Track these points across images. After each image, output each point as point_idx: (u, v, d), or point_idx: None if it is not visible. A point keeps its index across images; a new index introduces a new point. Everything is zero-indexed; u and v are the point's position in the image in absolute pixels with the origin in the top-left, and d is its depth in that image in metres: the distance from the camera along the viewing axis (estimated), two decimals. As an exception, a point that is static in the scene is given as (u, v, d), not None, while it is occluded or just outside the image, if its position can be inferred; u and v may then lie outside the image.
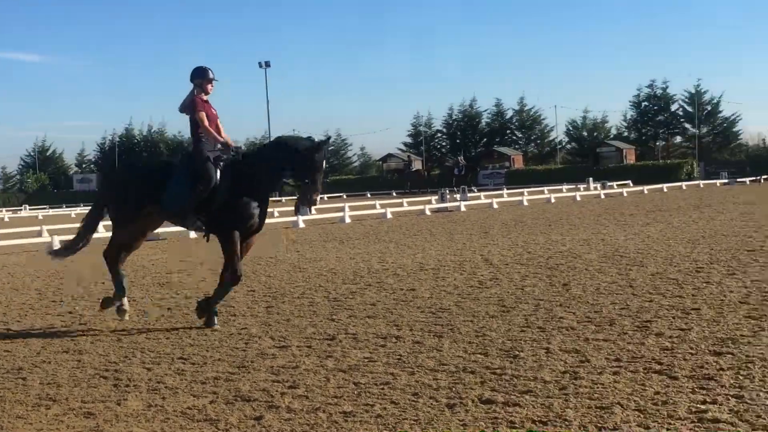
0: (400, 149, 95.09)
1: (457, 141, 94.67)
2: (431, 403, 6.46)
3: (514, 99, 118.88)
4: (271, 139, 11.76)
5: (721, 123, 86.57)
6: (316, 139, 10.46)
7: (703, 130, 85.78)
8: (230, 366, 8.09)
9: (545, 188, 54.11)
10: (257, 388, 7.18)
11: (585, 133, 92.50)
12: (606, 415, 5.95)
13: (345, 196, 69.62)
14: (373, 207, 38.57)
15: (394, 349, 8.47)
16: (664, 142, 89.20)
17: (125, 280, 11.06)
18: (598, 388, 6.67)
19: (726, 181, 58.28)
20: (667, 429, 5.59)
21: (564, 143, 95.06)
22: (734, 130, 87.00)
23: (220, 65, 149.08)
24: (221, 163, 10.43)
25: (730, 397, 6.22)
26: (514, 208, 36.84)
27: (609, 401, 6.27)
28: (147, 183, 10.60)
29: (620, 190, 49.15)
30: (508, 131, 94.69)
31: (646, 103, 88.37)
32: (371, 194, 70.16)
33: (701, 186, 54.33)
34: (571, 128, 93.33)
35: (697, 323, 9.01)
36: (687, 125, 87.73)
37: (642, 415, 5.90)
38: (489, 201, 39.59)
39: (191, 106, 10.67)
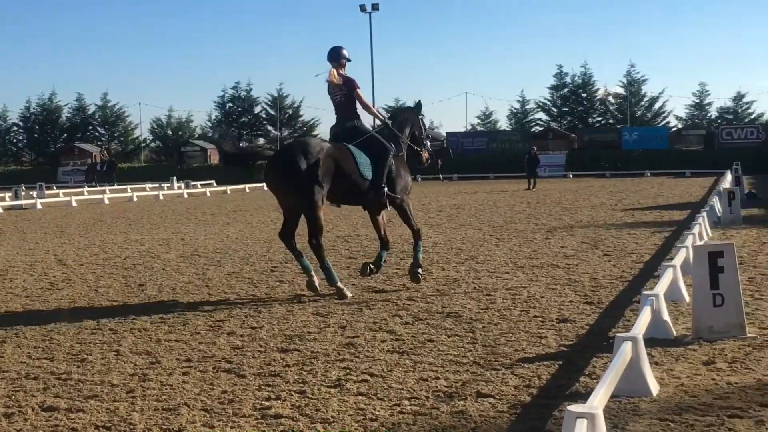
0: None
1: (36, 135, 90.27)
2: (-14, 414, 6.05)
3: (97, 95, 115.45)
4: (397, 110, 12.45)
5: (302, 126, 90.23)
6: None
7: (284, 132, 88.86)
8: None
9: (128, 186, 53.16)
10: None
11: (170, 132, 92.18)
12: (172, 416, 5.90)
13: None
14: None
15: (-51, 358, 7.85)
16: (247, 143, 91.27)
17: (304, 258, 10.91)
18: (166, 389, 6.61)
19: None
20: (231, 427, 5.66)
21: (149, 141, 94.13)
22: (314, 133, 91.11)
23: None
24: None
25: (293, 393, 6.43)
26: (94, 206, 35.84)
27: (176, 402, 6.23)
28: (327, 163, 10.53)
29: (204, 189, 49.53)
30: (90, 127, 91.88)
31: (230, 104, 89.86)
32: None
33: (281, 187, 56.11)
34: (155, 126, 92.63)
35: (268, 321, 9.26)
36: (270, 127, 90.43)
37: (208, 415, 5.93)
38: (68, 199, 38.19)
39: (351, 84, 11.19)
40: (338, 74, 11.26)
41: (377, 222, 11.73)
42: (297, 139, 11.54)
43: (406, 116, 12.12)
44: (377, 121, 12.10)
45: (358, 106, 11.46)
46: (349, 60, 11.49)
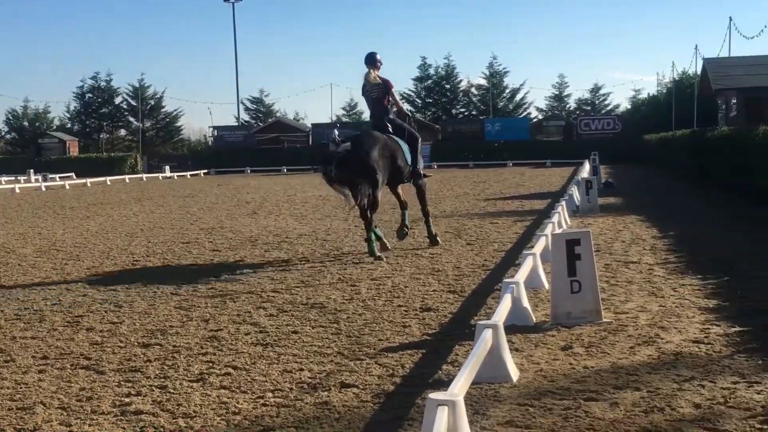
0: None
1: None
2: None
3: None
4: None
5: (164, 117, 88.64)
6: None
7: (146, 124, 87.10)
8: None
9: (-18, 179, 51.24)
10: None
11: (26, 124, 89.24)
12: (27, 415, 5.71)
13: None
14: None
15: None
16: (108, 135, 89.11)
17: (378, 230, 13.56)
18: (21, 388, 6.39)
19: (168, 174, 59.78)
20: (90, 425, 5.51)
21: (3, 133, 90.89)
22: (177, 125, 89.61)
23: None
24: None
25: (154, 388, 6.30)
26: (-55, 200, 34.37)
27: (32, 401, 6.03)
28: (386, 153, 13.05)
29: (63, 182, 48.12)
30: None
31: (90, 95, 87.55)
32: None
33: (144, 179, 55.15)
34: (11, 118, 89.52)
35: (129, 316, 9.06)
36: (131, 119, 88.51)
37: (65, 413, 5.76)
38: None
39: (387, 84, 13.67)
40: (375, 75, 13.62)
41: (397, 192, 14.20)
42: (367, 133, 13.59)
43: (407, 115, 14.80)
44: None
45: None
46: (381, 63, 13.79)
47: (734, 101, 44.25)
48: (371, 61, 13.68)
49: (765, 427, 5.08)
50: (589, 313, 8.08)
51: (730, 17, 39.86)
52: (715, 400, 5.61)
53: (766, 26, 49.87)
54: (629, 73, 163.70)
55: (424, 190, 14.28)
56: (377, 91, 13.60)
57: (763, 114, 35.67)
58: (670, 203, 22.11)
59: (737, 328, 7.64)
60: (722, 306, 8.66)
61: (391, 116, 13.74)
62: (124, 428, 5.46)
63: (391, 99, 13.77)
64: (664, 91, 67.77)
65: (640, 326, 7.89)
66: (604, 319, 8.10)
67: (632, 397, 5.75)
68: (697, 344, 7.13)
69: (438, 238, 14.28)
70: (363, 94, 13.96)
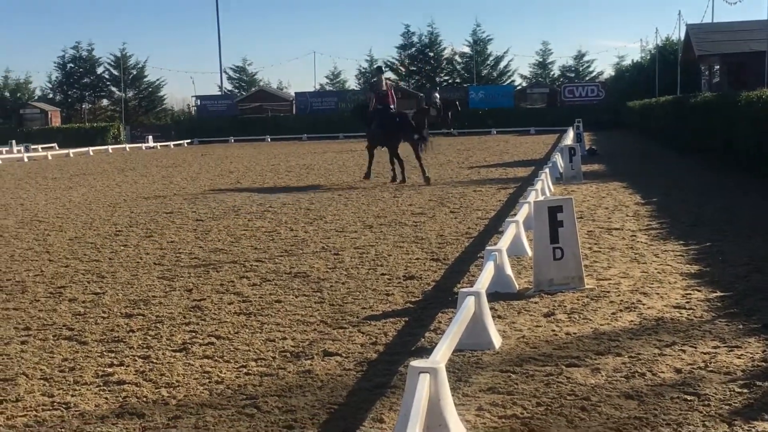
0: None
1: None
2: None
3: None
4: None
5: (147, 87, 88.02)
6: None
7: (129, 93, 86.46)
8: None
9: (-36, 151, 50.83)
10: None
11: (7, 94, 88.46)
12: (9, 387, 5.70)
13: None
14: None
15: None
16: (90, 105, 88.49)
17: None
18: (3, 359, 6.38)
19: (151, 144, 59.49)
20: (72, 395, 5.50)
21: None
22: (159, 94, 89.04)
23: None
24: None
25: (137, 358, 6.30)
26: (-73, 171, 34.11)
27: (14, 372, 6.02)
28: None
29: (45, 153, 47.80)
30: None
31: (71, 65, 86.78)
32: None
33: (127, 149, 54.84)
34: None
35: (112, 287, 9.03)
36: (113, 88, 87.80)
37: (48, 384, 5.75)
38: None
39: (391, 87, 22.11)
40: (383, 79, 21.95)
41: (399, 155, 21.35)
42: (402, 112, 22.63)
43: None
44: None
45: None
46: (384, 72, 23.92)
47: (717, 67, 44.28)
48: (381, 71, 23.19)
49: (744, 391, 5.11)
50: (571, 280, 8.11)
51: (714, -17, 39.77)
52: (696, 365, 5.65)
53: (749, -8, 49.76)
54: (613, 39, 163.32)
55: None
56: (387, 90, 21.49)
57: (745, 80, 35.73)
58: (653, 170, 22.14)
59: (718, 293, 7.68)
60: (704, 271, 8.70)
61: (392, 107, 21.46)
62: (106, 398, 5.45)
63: (393, 96, 21.64)
64: (648, 57, 67.64)
65: (622, 292, 7.92)
66: (587, 286, 8.13)
67: (614, 363, 5.78)
68: (678, 310, 7.17)
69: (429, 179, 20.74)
70: (372, 90, 22.20)
